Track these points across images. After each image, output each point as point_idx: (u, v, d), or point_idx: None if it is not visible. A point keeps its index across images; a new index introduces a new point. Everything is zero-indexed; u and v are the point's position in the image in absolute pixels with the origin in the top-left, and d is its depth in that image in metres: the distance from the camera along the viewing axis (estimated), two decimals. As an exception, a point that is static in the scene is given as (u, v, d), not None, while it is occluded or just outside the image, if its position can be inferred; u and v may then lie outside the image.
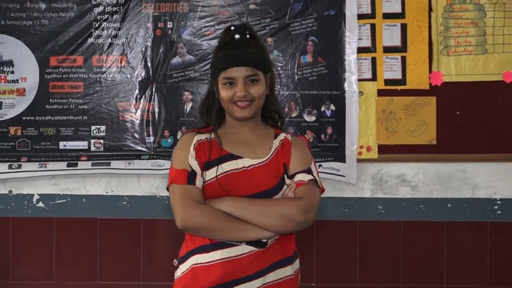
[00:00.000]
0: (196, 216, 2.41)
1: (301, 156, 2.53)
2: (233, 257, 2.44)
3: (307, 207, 2.40)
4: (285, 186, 2.43)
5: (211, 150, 2.48)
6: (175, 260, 2.46)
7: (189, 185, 2.43)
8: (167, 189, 2.46)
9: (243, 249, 2.44)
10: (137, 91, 3.80)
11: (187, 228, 2.43)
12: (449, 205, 3.86)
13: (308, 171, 2.48)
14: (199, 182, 2.41)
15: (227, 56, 2.49)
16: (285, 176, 2.44)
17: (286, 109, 3.78)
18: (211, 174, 2.45)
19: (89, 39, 3.79)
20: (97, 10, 3.75)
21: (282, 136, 2.54)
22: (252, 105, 2.46)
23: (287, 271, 2.46)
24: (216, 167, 2.45)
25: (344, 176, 3.67)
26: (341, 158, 3.71)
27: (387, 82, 3.86)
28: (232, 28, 2.55)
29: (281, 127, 2.59)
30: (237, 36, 2.49)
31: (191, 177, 2.45)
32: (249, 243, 2.43)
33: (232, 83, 2.44)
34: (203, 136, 2.48)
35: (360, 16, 3.83)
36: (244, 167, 2.43)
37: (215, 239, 2.42)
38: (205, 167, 2.47)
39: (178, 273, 2.55)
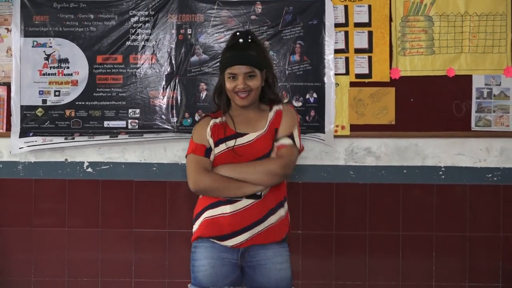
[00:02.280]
0: (205, 180, 2.94)
1: (286, 124, 3.05)
2: (238, 210, 2.95)
3: (286, 163, 2.95)
4: (274, 148, 2.99)
5: (225, 130, 2.99)
6: None
7: (205, 157, 2.98)
8: (186, 157, 3.02)
9: (245, 202, 2.95)
10: (163, 82, 4.46)
11: (198, 189, 2.99)
12: (404, 171, 4.55)
13: (290, 136, 3.02)
14: (212, 157, 2.97)
15: (231, 57, 2.98)
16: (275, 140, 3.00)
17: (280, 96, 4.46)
18: (222, 147, 2.99)
19: (127, 42, 4.44)
20: (133, 19, 4.42)
21: (275, 108, 3.06)
22: (250, 95, 2.97)
23: (281, 213, 3.01)
24: (225, 143, 2.98)
25: (324, 140, 4.41)
26: (321, 133, 4.43)
27: (357, 76, 4.50)
28: (238, 33, 3.06)
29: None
30: (240, 40, 3.00)
31: (207, 152, 2.99)
32: (248, 196, 2.94)
33: (234, 77, 2.96)
34: (217, 120, 3.03)
35: (336, 25, 4.46)
36: (249, 141, 2.96)
37: (221, 197, 2.95)
38: (218, 143, 2.99)
39: (195, 227, 3.09)
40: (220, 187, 2.94)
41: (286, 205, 3.06)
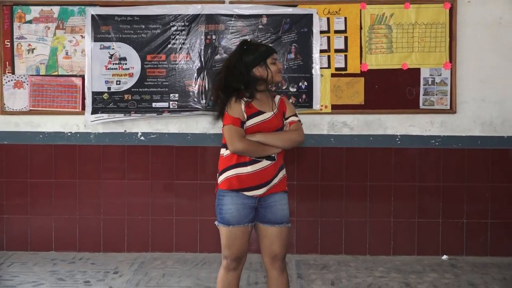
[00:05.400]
0: (242, 145, 3.45)
1: (290, 107, 3.69)
2: (258, 169, 3.52)
3: (302, 133, 3.62)
4: (286, 124, 3.61)
5: (251, 108, 3.52)
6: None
7: (240, 127, 3.48)
8: (223, 127, 3.50)
9: (264, 163, 3.52)
10: (195, 74, 5.48)
11: (237, 151, 3.46)
12: (371, 138, 5.56)
13: (296, 115, 3.65)
14: (244, 127, 3.49)
15: (268, 49, 3.63)
16: (284, 118, 3.62)
17: (280, 84, 5.39)
18: (250, 122, 3.51)
19: (168, 45, 5.47)
20: (173, 28, 5.45)
21: (277, 97, 3.68)
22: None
23: (284, 171, 3.66)
24: (254, 118, 3.51)
25: (312, 109, 5.40)
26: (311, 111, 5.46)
27: (336, 69, 5.49)
28: (249, 39, 4.03)
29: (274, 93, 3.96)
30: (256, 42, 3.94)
31: (242, 123, 3.49)
32: (267, 158, 3.51)
33: (274, 62, 3.60)
34: (245, 100, 3.52)
35: (321, 32, 5.45)
36: (266, 118, 3.54)
37: (252, 157, 3.48)
38: (248, 118, 3.51)
39: (221, 179, 3.58)
40: (252, 149, 3.47)
41: (283, 166, 3.69)
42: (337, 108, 5.57)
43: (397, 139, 5.60)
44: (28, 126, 5.63)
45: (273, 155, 3.55)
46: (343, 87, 5.52)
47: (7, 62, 5.57)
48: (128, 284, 4.87)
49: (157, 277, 5.06)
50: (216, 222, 3.65)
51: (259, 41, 5.23)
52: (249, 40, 3.81)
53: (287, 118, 3.65)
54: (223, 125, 3.53)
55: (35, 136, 5.63)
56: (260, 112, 3.56)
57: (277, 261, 3.64)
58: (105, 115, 5.54)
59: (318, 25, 5.46)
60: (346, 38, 5.51)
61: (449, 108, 5.53)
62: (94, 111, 5.51)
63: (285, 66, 5.47)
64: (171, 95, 5.54)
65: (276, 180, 3.59)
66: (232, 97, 3.52)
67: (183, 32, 5.49)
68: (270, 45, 5.08)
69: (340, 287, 4.85)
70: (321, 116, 5.57)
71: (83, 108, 5.55)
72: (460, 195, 5.62)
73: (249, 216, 3.58)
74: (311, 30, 5.47)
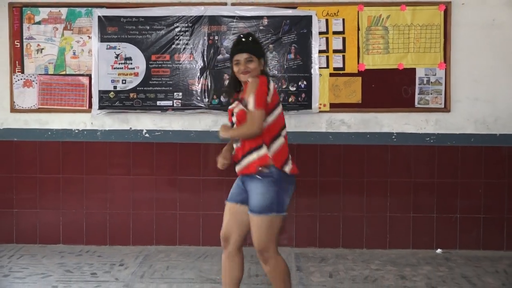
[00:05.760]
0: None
1: (247, 92, 3.55)
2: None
3: (250, 126, 3.51)
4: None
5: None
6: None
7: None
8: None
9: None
10: (198, 74, 5.58)
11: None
12: (367, 136, 5.64)
13: (248, 102, 3.52)
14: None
15: (235, 50, 3.68)
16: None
17: (280, 83, 5.52)
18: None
19: (172, 45, 5.57)
20: (177, 29, 5.55)
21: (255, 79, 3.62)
22: (249, 74, 3.62)
23: (255, 155, 3.59)
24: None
25: (311, 109, 5.51)
26: (310, 109, 5.55)
27: (335, 69, 5.57)
28: (241, 35, 3.77)
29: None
30: (243, 39, 3.72)
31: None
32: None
33: (238, 63, 3.66)
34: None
35: (320, 33, 5.54)
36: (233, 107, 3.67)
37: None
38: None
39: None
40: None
41: (260, 152, 3.59)
42: (335, 107, 5.67)
43: (393, 137, 5.70)
44: (37, 124, 5.74)
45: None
46: (341, 86, 5.62)
47: (16, 62, 5.69)
48: (133, 276, 4.96)
49: (161, 269, 5.16)
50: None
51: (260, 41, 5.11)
52: (241, 35, 3.82)
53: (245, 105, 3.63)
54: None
55: (44, 133, 5.74)
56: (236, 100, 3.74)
57: (257, 252, 3.68)
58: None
59: (317, 26, 5.56)
60: (344, 39, 5.61)
61: (443, 106, 5.62)
62: (100, 109, 5.64)
63: (285, 66, 5.58)
64: (175, 93, 5.64)
65: (243, 162, 3.68)
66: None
67: (186, 33, 5.60)
68: (272, 46, 5.35)
69: (337, 279, 4.93)
70: (320, 114, 5.67)
71: (90, 106, 5.66)
72: (453, 191, 5.71)
73: (239, 195, 3.76)
74: (310, 31, 5.57)
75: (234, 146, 3.76)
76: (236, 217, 3.76)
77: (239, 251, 3.84)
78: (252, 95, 3.50)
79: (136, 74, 5.65)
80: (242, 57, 3.67)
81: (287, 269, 3.72)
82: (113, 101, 5.63)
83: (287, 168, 3.65)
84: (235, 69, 3.70)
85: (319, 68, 5.62)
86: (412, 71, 5.61)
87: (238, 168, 3.72)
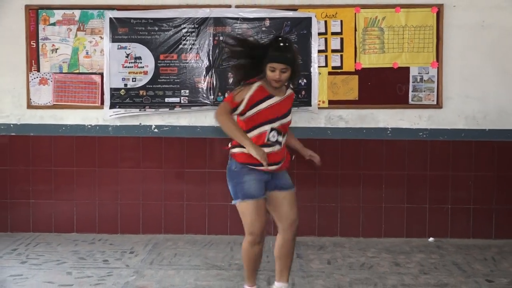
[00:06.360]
0: (220, 118, 3.69)
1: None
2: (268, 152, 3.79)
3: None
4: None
5: (263, 92, 3.74)
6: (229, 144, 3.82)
7: (231, 108, 3.71)
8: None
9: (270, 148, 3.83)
10: (204, 72, 5.74)
11: (215, 119, 3.74)
12: (364, 131, 5.79)
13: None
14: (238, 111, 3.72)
15: (274, 56, 3.66)
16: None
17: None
18: (263, 105, 3.72)
19: (180, 45, 5.72)
20: (184, 30, 5.71)
21: (289, 91, 3.90)
22: (281, 83, 3.75)
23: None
24: (264, 102, 3.73)
25: (311, 110, 5.65)
26: (309, 106, 5.69)
27: (333, 67, 5.72)
28: (280, 38, 3.74)
29: (292, 88, 3.95)
30: (282, 44, 3.70)
31: (235, 108, 3.72)
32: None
33: (274, 70, 3.68)
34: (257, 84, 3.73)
35: (319, 34, 5.68)
36: (275, 102, 3.78)
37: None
38: (259, 102, 3.70)
39: (235, 150, 3.81)
40: (223, 126, 3.79)
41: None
42: (334, 103, 5.80)
43: (388, 132, 5.83)
44: (52, 119, 5.91)
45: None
46: (339, 84, 5.75)
47: (33, 61, 5.86)
48: (143, 263, 5.09)
49: (169, 256, 5.30)
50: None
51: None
52: (281, 38, 3.82)
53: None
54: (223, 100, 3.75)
55: (58, 128, 5.91)
56: (272, 96, 3.81)
57: (294, 225, 3.94)
58: (122, 110, 5.81)
59: (316, 27, 5.70)
60: (342, 40, 5.76)
61: (435, 103, 5.76)
62: (112, 106, 5.79)
63: None
64: (182, 91, 5.80)
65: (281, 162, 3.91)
66: (242, 82, 3.81)
67: (193, 34, 5.75)
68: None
69: (335, 266, 5.06)
70: (319, 110, 5.80)
71: (102, 103, 5.82)
72: (445, 183, 5.86)
73: (263, 190, 3.90)
74: (310, 32, 5.71)
75: (272, 150, 3.84)
76: (264, 212, 3.89)
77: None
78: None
79: (146, 73, 5.81)
80: (279, 66, 3.70)
81: None
82: (124, 98, 5.79)
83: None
84: (269, 74, 3.73)
85: (318, 67, 5.75)
86: (406, 69, 5.74)
87: (275, 167, 3.84)
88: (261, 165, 3.69)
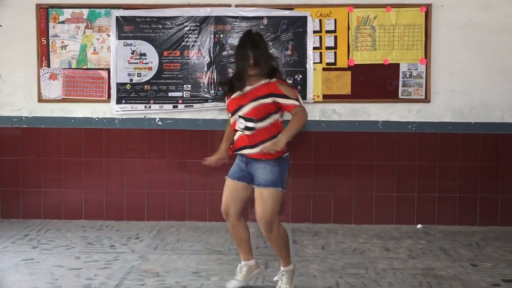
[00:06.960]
0: None
1: (285, 90, 3.88)
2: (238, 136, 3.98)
3: (302, 116, 4.00)
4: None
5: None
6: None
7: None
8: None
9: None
10: (205, 68, 5.91)
11: None
12: (356, 124, 5.95)
13: (291, 98, 3.88)
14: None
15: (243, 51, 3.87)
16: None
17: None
18: (233, 96, 3.94)
19: (182, 43, 5.90)
20: (186, 28, 5.89)
21: (268, 80, 3.89)
22: (251, 70, 3.85)
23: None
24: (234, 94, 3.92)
25: (306, 100, 5.73)
26: (305, 100, 5.74)
27: (327, 64, 5.87)
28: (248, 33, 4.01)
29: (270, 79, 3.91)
30: (248, 38, 3.94)
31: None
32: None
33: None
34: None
35: (314, 32, 5.85)
36: (244, 93, 3.89)
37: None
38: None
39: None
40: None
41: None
42: (328, 98, 5.94)
43: (379, 125, 5.99)
44: (61, 112, 6.08)
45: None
46: (333, 79, 5.91)
47: (43, 57, 6.05)
48: (148, 248, 5.24)
49: (172, 242, 5.45)
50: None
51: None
52: (249, 31, 4.10)
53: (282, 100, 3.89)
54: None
55: (68, 121, 6.08)
56: (241, 87, 4.02)
57: (265, 221, 3.96)
58: (128, 106, 5.98)
59: (311, 26, 5.87)
60: (335, 37, 5.92)
61: (424, 98, 5.93)
62: (118, 100, 5.98)
63: (283, 61, 5.89)
64: (184, 86, 5.97)
65: (258, 148, 3.94)
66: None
67: (195, 32, 5.92)
68: (271, 43, 5.64)
69: (329, 251, 5.20)
70: (314, 104, 5.95)
71: (109, 97, 6.00)
72: (433, 173, 6.03)
73: (238, 173, 4.07)
74: (305, 30, 5.88)
75: (243, 133, 3.94)
76: (233, 192, 4.04)
77: (240, 219, 4.13)
78: (291, 92, 3.91)
79: (150, 69, 5.97)
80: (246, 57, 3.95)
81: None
82: (130, 92, 5.97)
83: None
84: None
85: (313, 63, 5.92)
86: (396, 66, 5.89)
87: (249, 151, 3.92)
88: (238, 150, 3.96)
